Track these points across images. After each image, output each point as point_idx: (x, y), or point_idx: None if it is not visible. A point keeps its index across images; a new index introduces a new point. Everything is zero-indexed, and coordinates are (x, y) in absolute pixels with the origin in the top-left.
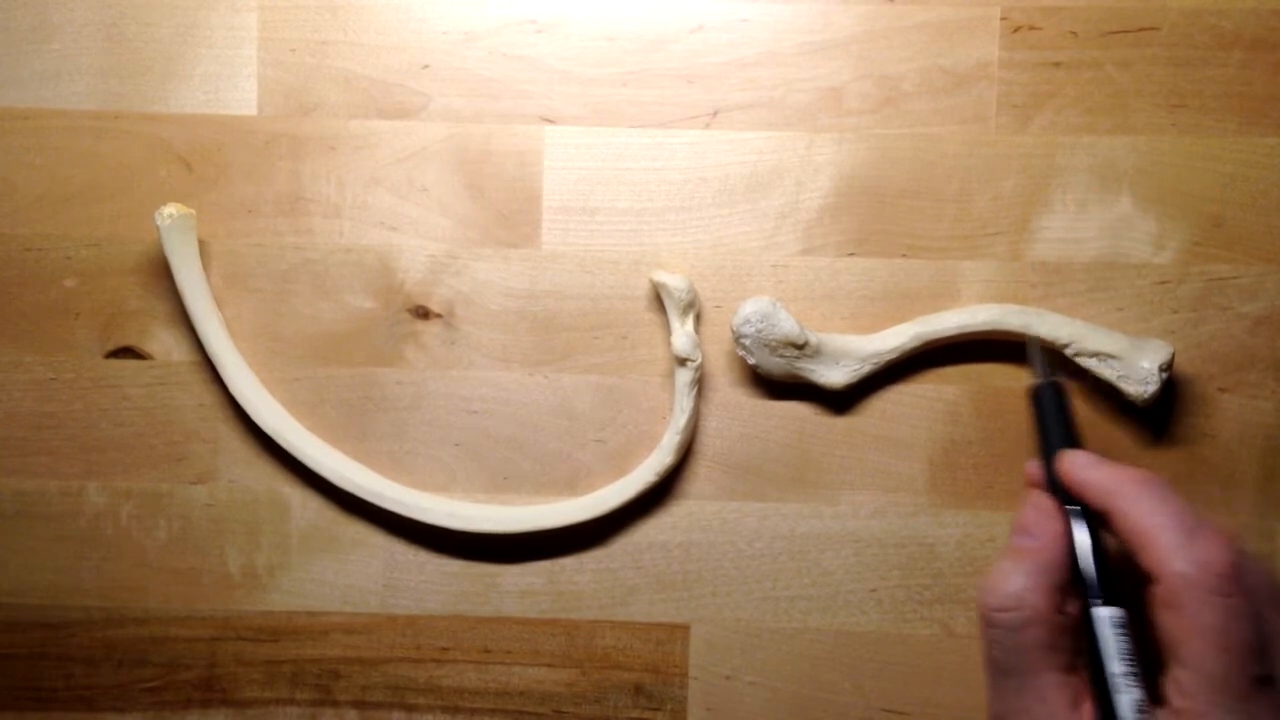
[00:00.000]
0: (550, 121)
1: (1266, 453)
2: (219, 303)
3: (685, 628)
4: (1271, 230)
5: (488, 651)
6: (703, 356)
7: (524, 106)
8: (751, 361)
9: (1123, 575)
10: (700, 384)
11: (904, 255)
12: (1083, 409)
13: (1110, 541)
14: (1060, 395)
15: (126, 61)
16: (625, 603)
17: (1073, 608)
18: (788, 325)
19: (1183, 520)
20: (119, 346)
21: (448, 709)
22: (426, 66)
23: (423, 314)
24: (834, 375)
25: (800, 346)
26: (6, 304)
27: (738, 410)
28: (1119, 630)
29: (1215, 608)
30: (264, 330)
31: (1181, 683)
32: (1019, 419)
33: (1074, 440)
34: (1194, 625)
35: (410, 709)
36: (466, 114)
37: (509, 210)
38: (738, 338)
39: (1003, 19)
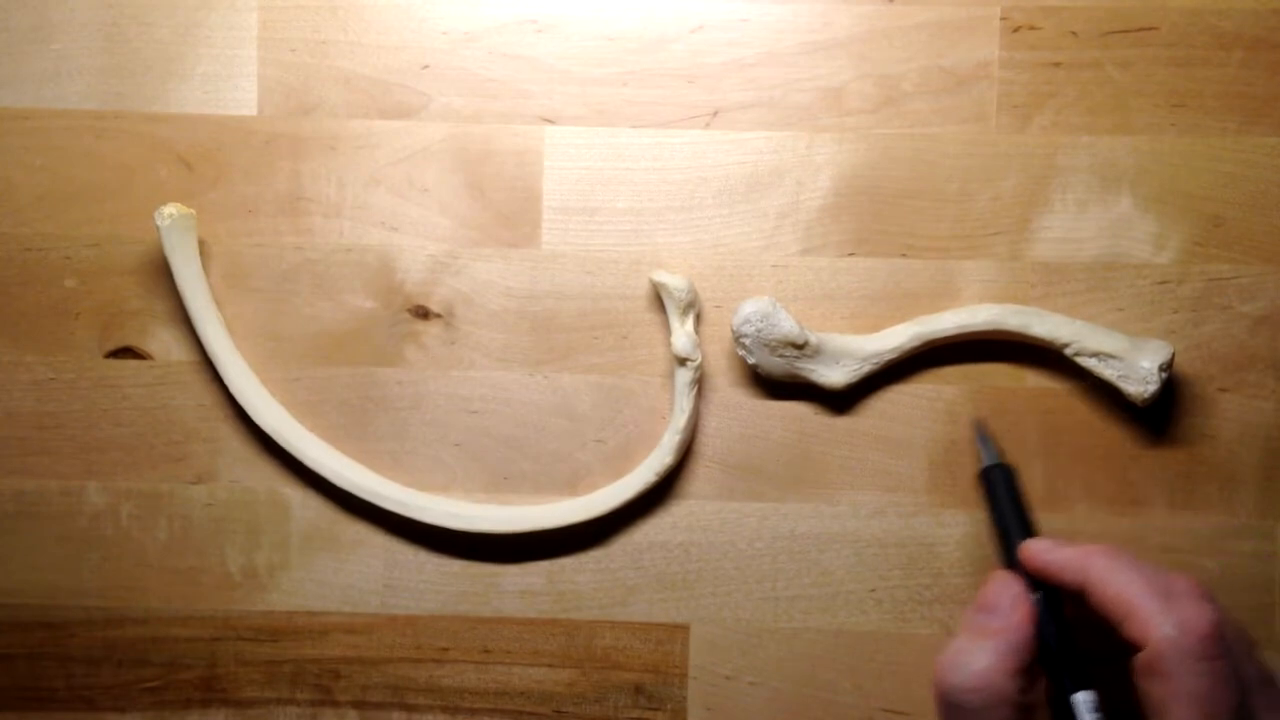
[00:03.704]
0: (550, 121)
1: (1266, 453)
2: (219, 303)
3: (685, 628)
4: (1271, 230)
5: (488, 651)
6: (703, 356)
7: (524, 106)
8: (751, 361)
9: (1083, 657)
10: (700, 384)
11: (904, 255)
12: (1083, 409)
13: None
14: (1010, 478)
15: (126, 61)
16: (625, 603)
17: (1032, 689)
18: (787, 325)
19: (1158, 585)
20: (119, 346)
21: (448, 709)
22: (426, 66)
23: (423, 314)
24: (834, 375)
25: (800, 346)
26: (6, 304)
27: (737, 410)
28: (1095, 714)
29: (1200, 673)
30: (264, 330)
31: None
32: (1019, 419)
33: (1028, 523)
34: (1179, 690)
35: (410, 709)
36: (466, 114)
37: (509, 210)
38: (738, 338)
39: (1003, 19)
